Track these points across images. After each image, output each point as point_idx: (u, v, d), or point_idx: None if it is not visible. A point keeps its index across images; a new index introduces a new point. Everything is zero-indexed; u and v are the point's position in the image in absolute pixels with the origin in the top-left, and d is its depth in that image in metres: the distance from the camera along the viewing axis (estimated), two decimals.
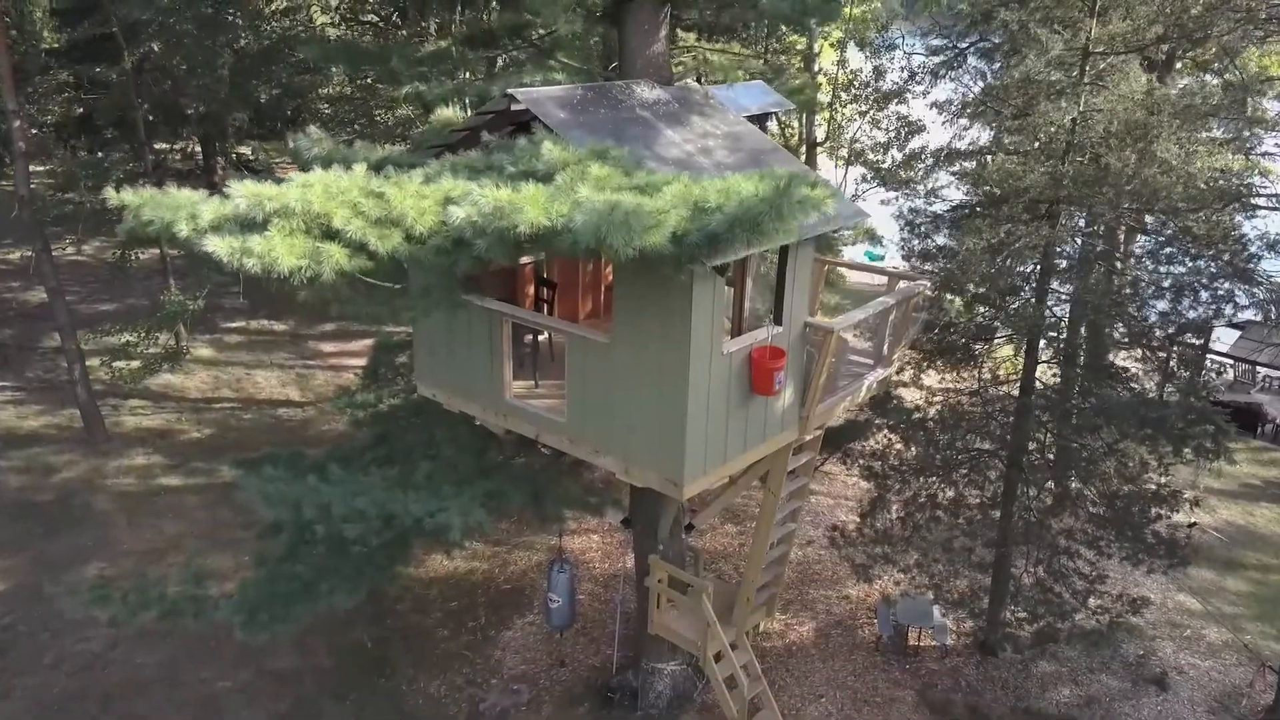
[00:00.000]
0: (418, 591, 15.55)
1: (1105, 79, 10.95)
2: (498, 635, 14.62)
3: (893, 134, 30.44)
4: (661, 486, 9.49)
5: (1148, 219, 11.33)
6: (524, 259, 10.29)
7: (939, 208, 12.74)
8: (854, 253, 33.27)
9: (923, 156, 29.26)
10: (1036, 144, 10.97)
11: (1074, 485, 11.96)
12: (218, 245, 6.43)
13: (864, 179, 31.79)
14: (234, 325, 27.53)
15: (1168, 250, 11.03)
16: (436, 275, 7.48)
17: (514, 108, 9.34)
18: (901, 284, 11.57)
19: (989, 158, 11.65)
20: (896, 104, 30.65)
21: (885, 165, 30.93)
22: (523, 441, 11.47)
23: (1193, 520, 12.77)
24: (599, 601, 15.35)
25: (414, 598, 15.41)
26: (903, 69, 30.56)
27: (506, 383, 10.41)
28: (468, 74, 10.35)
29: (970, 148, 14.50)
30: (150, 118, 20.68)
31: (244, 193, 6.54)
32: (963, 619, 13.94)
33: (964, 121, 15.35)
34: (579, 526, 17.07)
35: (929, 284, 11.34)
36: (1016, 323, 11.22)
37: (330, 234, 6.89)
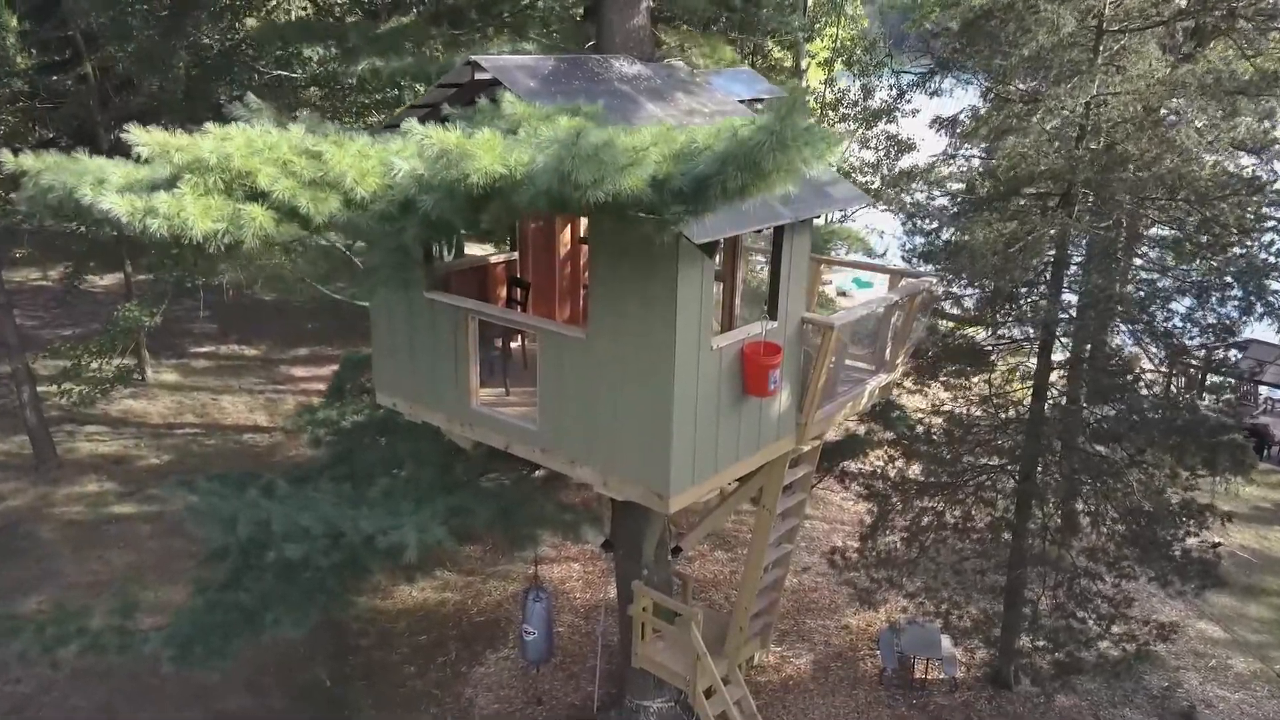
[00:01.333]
0: (382, 625, 14.39)
1: (1121, 59, 10.12)
2: (469, 672, 13.46)
3: (882, 153, 29.91)
4: (645, 500, 8.47)
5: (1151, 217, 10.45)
6: (491, 250, 9.27)
7: (943, 201, 11.84)
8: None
9: (913, 175, 28.70)
10: (1049, 129, 10.09)
11: (1093, 501, 10.95)
12: (116, 203, 5.45)
13: None
14: (202, 350, 26.46)
15: (1200, 239, 10.12)
16: (384, 248, 6.50)
17: (479, 77, 8.43)
18: (904, 281, 10.67)
19: (1000, 142, 10.76)
20: (885, 123, 30.18)
21: (875, 185, 30.40)
22: (493, 456, 10.45)
23: (1217, 540, 11.78)
24: (579, 634, 14.22)
25: (378, 632, 14.25)
26: (891, 86, 30.07)
27: (472, 389, 9.40)
28: (430, 51, 9.44)
29: (963, 169, 13.59)
30: (111, 125, 19.67)
31: (146, 140, 5.57)
32: (974, 648, 12.88)
33: (957, 140, 14.49)
34: (558, 553, 15.98)
35: (934, 281, 10.42)
36: (1032, 318, 10.28)
37: (255, 196, 5.92)
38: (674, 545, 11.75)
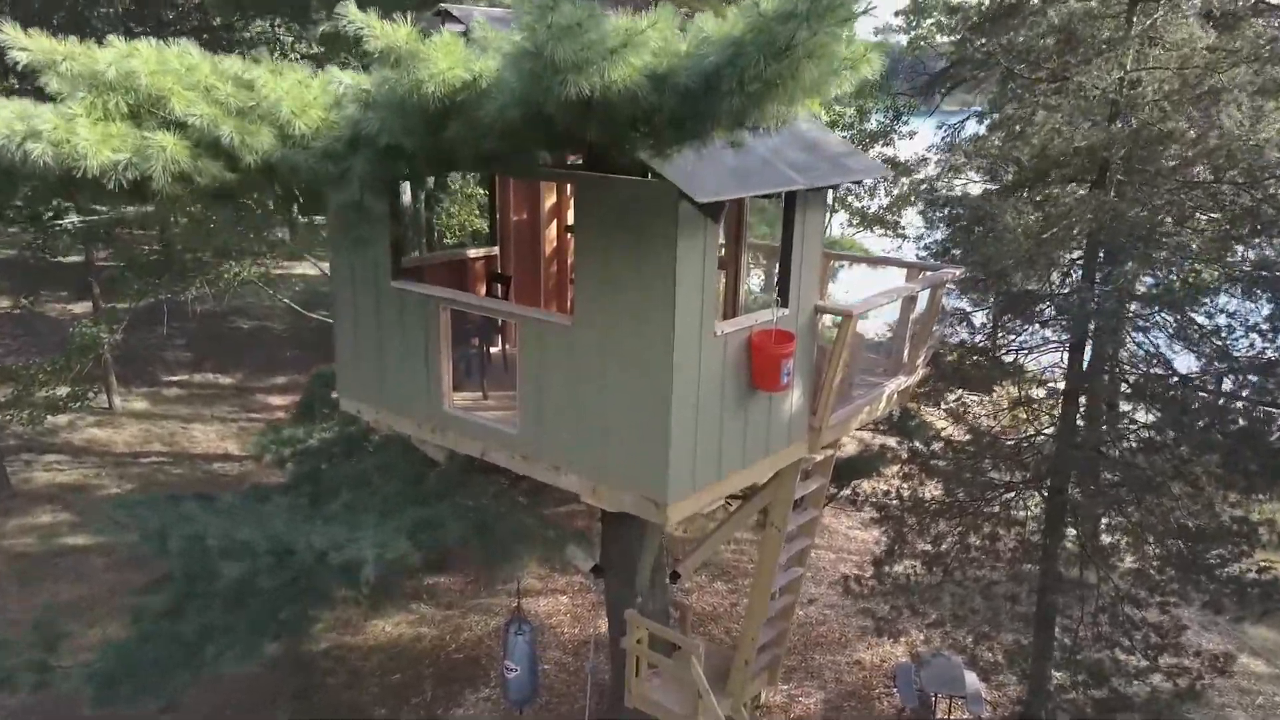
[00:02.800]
0: (352, 663, 13.16)
1: (1156, 31, 9.25)
2: (446, 713, 12.23)
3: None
4: (639, 509, 7.38)
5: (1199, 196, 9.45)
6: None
7: (965, 186, 10.88)
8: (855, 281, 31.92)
9: (911, 199, 27.95)
10: (1080, 105, 9.17)
11: (1134, 516, 9.87)
12: None
13: (848, 223, 30.46)
14: (175, 378, 25.32)
15: (1242, 230, 9.17)
16: (330, 196, 5.46)
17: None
18: (925, 274, 9.69)
19: (1024, 128, 9.84)
20: (882, 145, 29.59)
21: (871, 210, 29.77)
22: (469, 468, 9.38)
23: (1266, 561, 10.70)
24: (567, 671, 13.02)
25: (347, 670, 13.01)
26: (887, 108, 29.53)
27: (444, 389, 8.33)
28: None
29: (963, 191, 12.65)
30: None
31: (29, 45, 4.54)
32: (1004, 684, 11.70)
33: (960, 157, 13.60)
34: (544, 585, 14.80)
35: (958, 272, 9.41)
36: (1067, 308, 9.27)
37: (170, 125, 4.90)
38: (671, 570, 10.62)
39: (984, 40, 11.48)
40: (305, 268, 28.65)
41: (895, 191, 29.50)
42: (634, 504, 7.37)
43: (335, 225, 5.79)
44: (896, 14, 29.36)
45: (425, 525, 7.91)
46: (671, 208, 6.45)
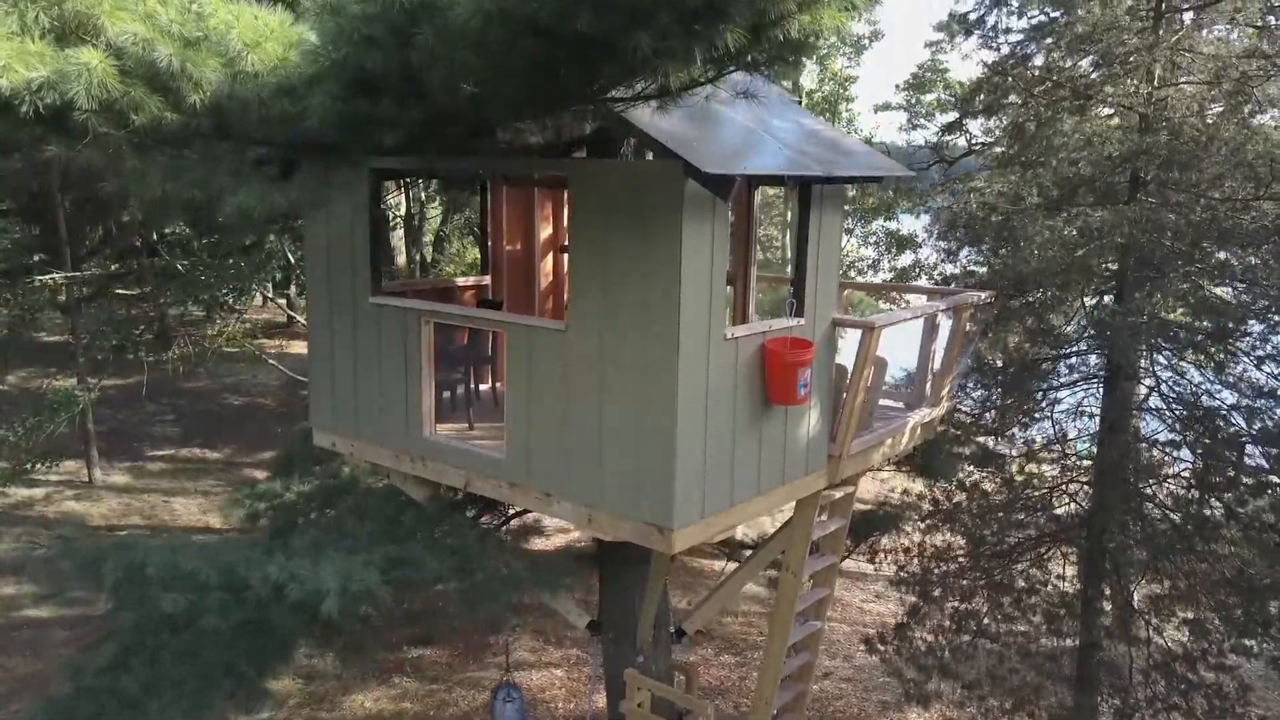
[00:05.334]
0: None
1: (1187, 40, 8.77)
2: None
3: (881, 248, 28.98)
4: (640, 538, 6.53)
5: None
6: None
7: (985, 201, 10.20)
8: None
9: (915, 272, 27.58)
10: (1107, 116, 8.65)
11: (1184, 564, 8.98)
12: None
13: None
14: (160, 453, 24.48)
15: None
16: (285, 142, 4.80)
17: None
18: (950, 299, 9.01)
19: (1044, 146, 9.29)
20: (885, 219, 29.39)
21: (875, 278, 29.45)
22: (452, 508, 8.56)
23: None
24: None
25: None
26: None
27: (426, 413, 7.57)
28: None
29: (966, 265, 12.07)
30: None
31: None
32: None
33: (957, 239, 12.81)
34: (537, 658, 13.73)
35: (984, 296, 8.73)
36: (1105, 327, 8.54)
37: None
38: (676, 627, 9.65)
39: (997, 77, 11.08)
40: (300, 346, 28.15)
41: (899, 263, 29.18)
42: (634, 532, 6.54)
43: (301, 193, 5.11)
44: (897, 88, 29.43)
45: (399, 563, 7.04)
46: (677, 188, 5.82)
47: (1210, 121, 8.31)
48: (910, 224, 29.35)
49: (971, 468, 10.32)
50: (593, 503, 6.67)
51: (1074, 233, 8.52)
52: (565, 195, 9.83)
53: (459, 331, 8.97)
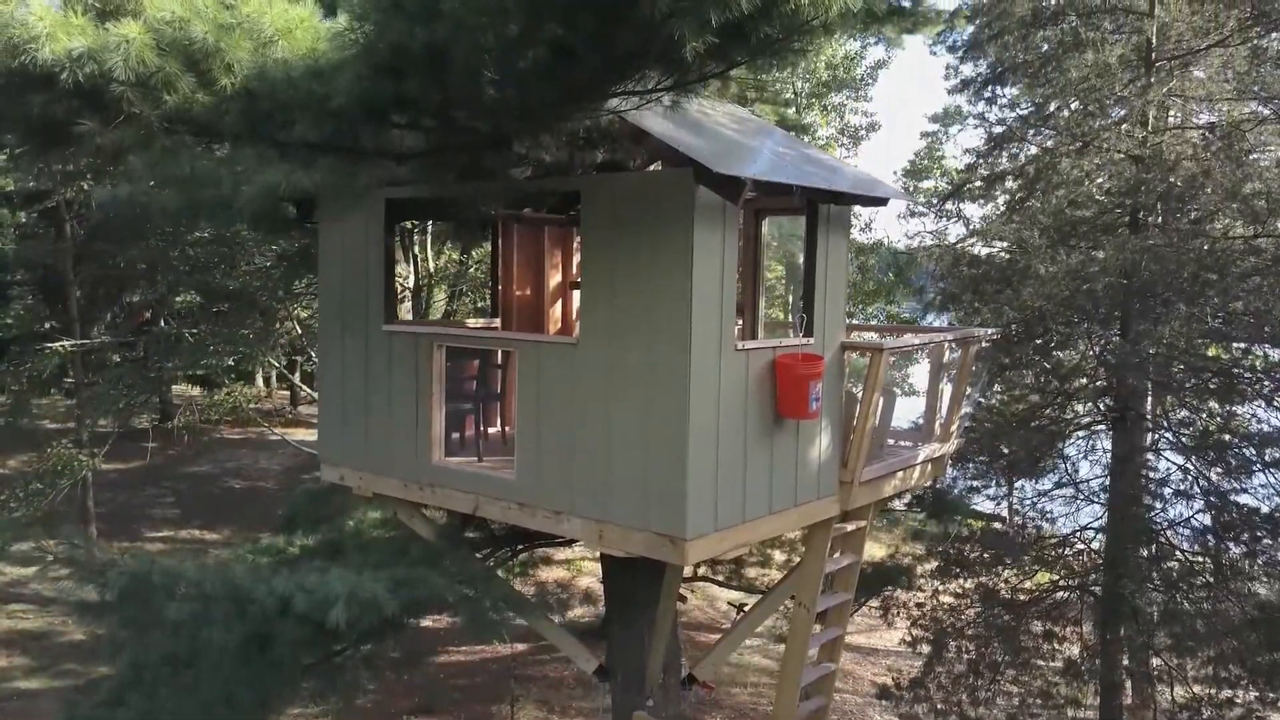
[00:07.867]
0: None
1: (1180, 86, 9.06)
2: None
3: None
4: (652, 550, 6.45)
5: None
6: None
7: (983, 247, 10.38)
8: None
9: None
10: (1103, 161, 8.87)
11: (1204, 603, 8.81)
12: None
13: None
14: (159, 534, 24.26)
15: None
16: (312, 127, 4.93)
17: None
18: (955, 334, 9.09)
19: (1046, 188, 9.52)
20: (885, 303, 29.78)
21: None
22: (459, 540, 8.49)
23: None
24: None
25: None
26: (889, 265, 29.86)
27: (435, 438, 7.57)
28: None
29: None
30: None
31: None
32: None
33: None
34: (545, 716, 13.34)
35: (991, 332, 8.80)
36: (1117, 359, 8.56)
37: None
38: (687, 673, 9.42)
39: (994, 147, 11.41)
40: (302, 433, 28.16)
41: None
42: (646, 544, 6.47)
43: (326, 175, 5.23)
44: (895, 174, 30.15)
45: (405, 584, 6.95)
46: (688, 196, 5.97)
47: (1206, 157, 8.53)
48: (912, 308, 29.69)
49: (982, 514, 10.24)
50: (604, 515, 6.61)
51: (1078, 263, 8.64)
52: (574, 238, 10.03)
53: (468, 369, 9.02)
